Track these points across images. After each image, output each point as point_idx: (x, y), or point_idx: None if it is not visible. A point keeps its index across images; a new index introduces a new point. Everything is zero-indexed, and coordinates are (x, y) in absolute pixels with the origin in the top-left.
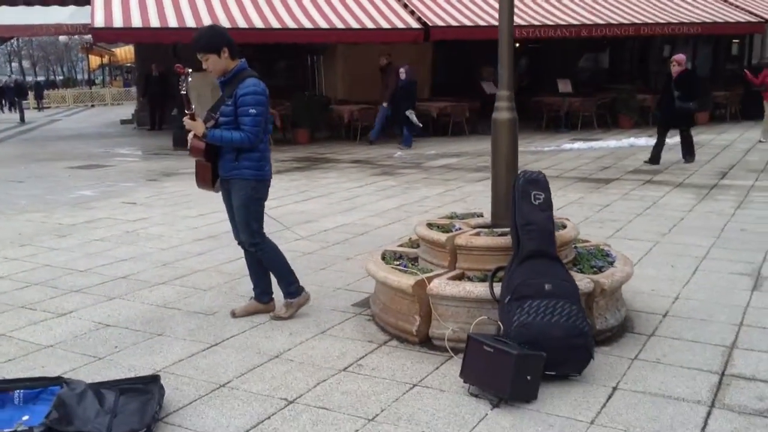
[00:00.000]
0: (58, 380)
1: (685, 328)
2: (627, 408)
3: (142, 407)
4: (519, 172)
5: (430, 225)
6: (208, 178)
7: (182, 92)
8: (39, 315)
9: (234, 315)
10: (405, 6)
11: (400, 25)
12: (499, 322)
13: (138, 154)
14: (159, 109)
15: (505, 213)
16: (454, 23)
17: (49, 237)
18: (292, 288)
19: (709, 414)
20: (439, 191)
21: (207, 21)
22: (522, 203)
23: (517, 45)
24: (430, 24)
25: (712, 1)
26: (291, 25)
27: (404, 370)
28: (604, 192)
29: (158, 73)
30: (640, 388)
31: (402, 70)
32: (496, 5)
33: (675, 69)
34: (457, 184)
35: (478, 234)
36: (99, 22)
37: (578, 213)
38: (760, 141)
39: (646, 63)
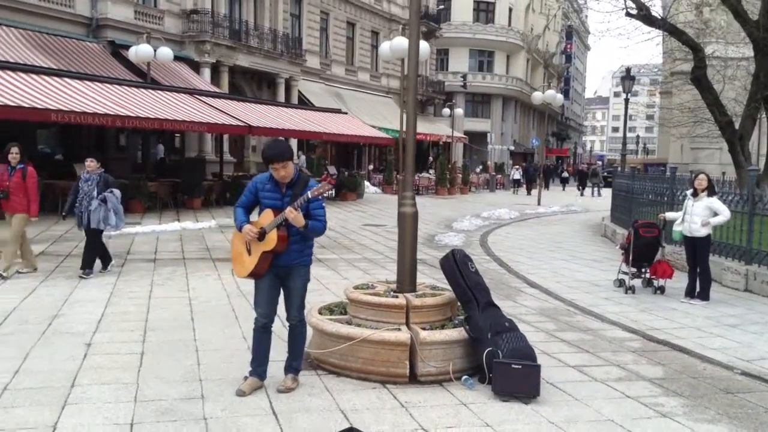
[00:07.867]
0: None
1: None
2: (577, 388)
3: None
4: (450, 250)
5: (366, 294)
6: (267, 267)
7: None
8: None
9: (244, 394)
10: None
11: None
12: (498, 350)
13: None
14: None
15: (409, 281)
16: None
17: None
18: (302, 366)
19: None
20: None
21: None
22: (466, 271)
23: None
24: None
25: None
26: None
27: (437, 399)
28: None
29: None
30: (570, 379)
31: None
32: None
33: None
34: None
35: (424, 295)
36: None
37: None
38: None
39: (103, 149)
